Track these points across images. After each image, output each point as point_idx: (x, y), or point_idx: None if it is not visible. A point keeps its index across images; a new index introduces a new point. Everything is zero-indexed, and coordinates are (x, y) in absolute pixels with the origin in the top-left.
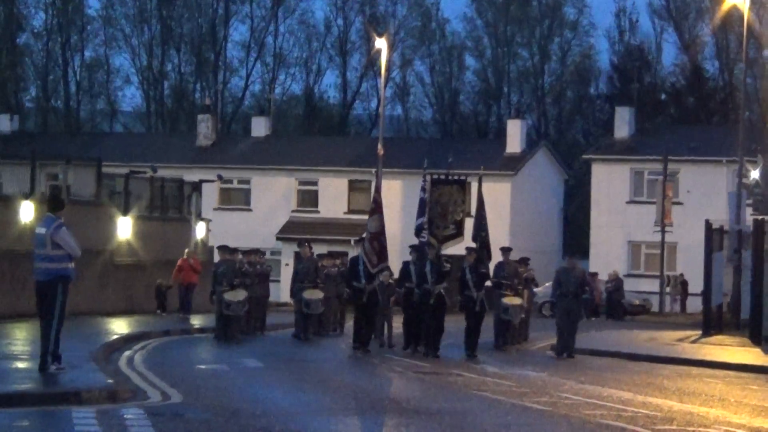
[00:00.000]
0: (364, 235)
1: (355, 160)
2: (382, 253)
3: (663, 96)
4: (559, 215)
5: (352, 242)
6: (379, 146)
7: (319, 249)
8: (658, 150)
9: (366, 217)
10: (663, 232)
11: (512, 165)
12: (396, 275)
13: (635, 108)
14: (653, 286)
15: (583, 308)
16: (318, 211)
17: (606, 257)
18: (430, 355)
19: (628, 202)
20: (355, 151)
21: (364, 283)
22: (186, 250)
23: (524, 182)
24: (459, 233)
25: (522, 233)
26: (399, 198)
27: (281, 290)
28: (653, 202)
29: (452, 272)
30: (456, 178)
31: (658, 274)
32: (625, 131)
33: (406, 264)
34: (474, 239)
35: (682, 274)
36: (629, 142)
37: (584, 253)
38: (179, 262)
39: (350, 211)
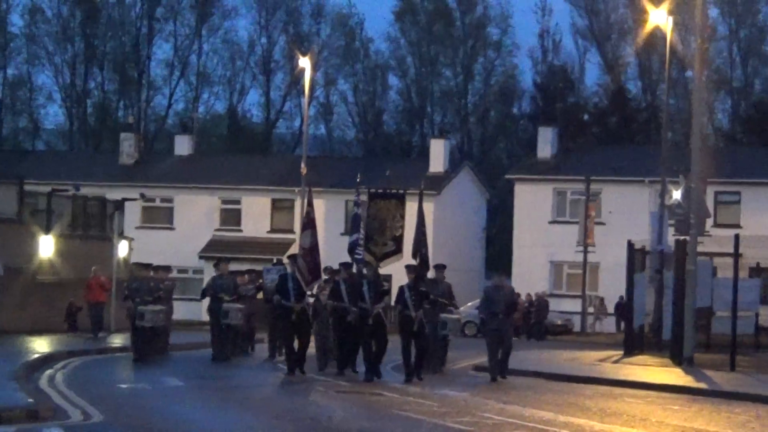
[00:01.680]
0: (298, 251)
1: (278, 179)
2: (315, 270)
3: (586, 116)
4: (481, 235)
5: (285, 259)
6: (303, 165)
7: (241, 268)
8: (581, 170)
9: (289, 235)
10: (585, 252)
11: (435, 184)
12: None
13: (558, 128)
14: (575, 306)
15: (512, 328)
16: (241, 230)
17: (528, 277)
18: (371, 378)
19: (550, 222)
20: (278, 169)
21: (293, 302)
22: (93, 268)
23: (447, 201)
24: (398, 250)
25: (444, 252)
26: (321, 217)
27: (203, 309)
28: (576, 222)
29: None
30: (394, 191)
31: (580, 293)
32: (548, 151)
33: (336, 282)
34: (414, 256)
35: (602, 298)
36: (552, 162)
37: (506, 273)
38: (88, 281)
39: (273, 230)
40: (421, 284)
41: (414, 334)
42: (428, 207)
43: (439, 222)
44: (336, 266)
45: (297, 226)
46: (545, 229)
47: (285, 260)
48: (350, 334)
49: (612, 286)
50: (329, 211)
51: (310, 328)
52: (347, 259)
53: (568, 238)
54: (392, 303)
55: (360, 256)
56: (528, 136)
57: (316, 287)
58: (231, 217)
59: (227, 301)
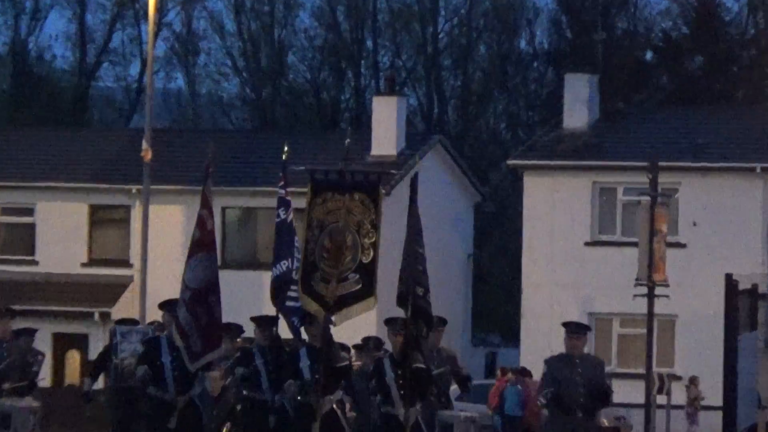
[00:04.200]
0: (181, 295)
1: (101, 171)
2: (212, 331)
3: (649, 55)
4: (464, 266)
5: (163, 316)
6: (145, 144)
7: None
8: (639, 150)
9: (122, 270)
10: (651, 296)
11: (381, 177)
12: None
13: (600, 76)
14: (635, 390)
15: None
16: (35, 261)
17: (547, 339)
18: None
19: (588, 244)
20: (101, 153)
21: (172, 392)
22: None
23: (401, 209)
24: (367, 288)
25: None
26: (179, 234)
27: None
28: (632, 244)
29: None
30: (362, 175)
31: (642, 371)
32: (582, 117)
33: (246, 355)
34: (402, 299)
35: (695, 378)
36: (589, 136)
37: (509, 332)
38: None
39: (93, 261)
40: (416, 356)
41: None
42: None
43: (390, 245)
44: (244, 323)
45: (135, 251)
46: (578, 256)
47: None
48: None
49: (699, 356)
50: (193, 222)
51: None
52: (264, 309)
53: (619, 272)
54: (357, 392)
55: (293, 304)
56: (546, 92)
57: (216, 369)
58: (17, 238)
59: (8, 392)
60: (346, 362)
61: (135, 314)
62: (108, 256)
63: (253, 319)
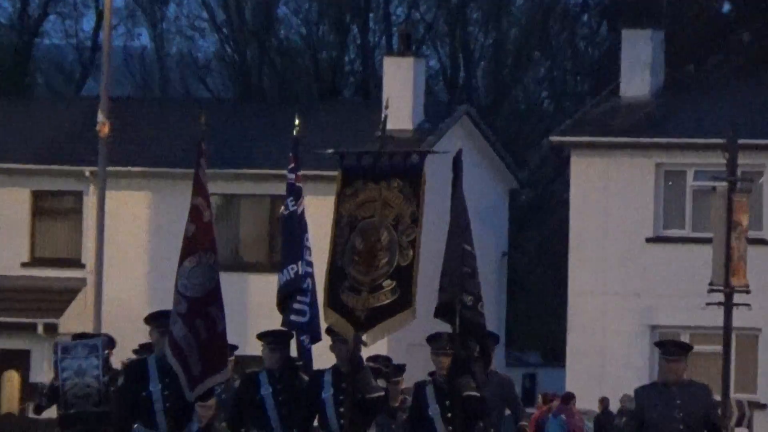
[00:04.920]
0: (175, 306)
1: (48, 150)
2: (215, 349)
3: (726, 7)
4: (497, 267)
5: (151, 333)
6: (101, 117)
7: None
8: (712, 125)
9: (74, 271)
10: (729, 305)
11: (424, 158)
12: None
13: (665, 33)
14: None
15: None
16: None
17: (598, 361)
18: None
19: (650, 240)
20: (46, 128)
21: (165, 430)
22: None
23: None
24: (405, 297)
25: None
26: (143, 228)
27: None
28: (705, 240)
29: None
30: (404, 156)
31: (717, 398)
32: (644, 83)
33: (249, 382)
34: (444, 308)
35: None
36: (652, 108)
37: (552, 350)
38: None
39: (36, 262)
40: (467, 382)
41: None
42: None
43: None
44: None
45: (89, 248)
46: (638, 256)
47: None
48: None
49: None
50: (173, 221)
51: None
52: (249, 321)
53: (688, 276)
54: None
55: (299, 319)
56: (599, 53)
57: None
58: None
59: None
60: (382, 392)
61: (88, 326)
62: (55, 254)
63: (260, 336)
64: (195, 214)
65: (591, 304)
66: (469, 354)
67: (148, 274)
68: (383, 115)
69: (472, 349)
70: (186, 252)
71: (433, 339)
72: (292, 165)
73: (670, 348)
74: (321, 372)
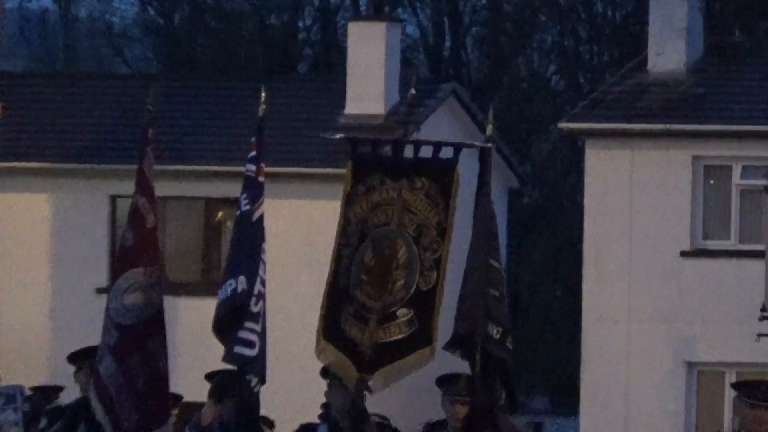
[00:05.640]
0: (104, 339)
1: None
2: (154, 394)
3: None
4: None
5: (76, 376)
6: None
7: None
8: (765, 108)
9: None
10: None
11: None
12: None
13: None
14: None
15: None
16: None
17: (620, 407)
18: None
19: (686, 253)
20: None
21: None
22: None
23: None
24: (424, 331)
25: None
26: (41, 237)
27: None
28: (756, 254)
29: None
30: (435, 148)
31: None
32: (678, 56)
33: None
34: (464, 342)
35: None
36: (689, 86)
37: (562, 392)
38: None
39: None
40: None
41: None
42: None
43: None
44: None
45: None
46: (672, 273)
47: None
48: None
49: None
50: (81, 231)
51: None
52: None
53: (734, 298)
54: None
55: (248, 352)
56: (621, 16)
57: None
58: None
59: None
60: None
61: None
62: None
63: (209, 376)
64: (136, 217)
65: (612, 333)
66: (493, 402)
67: (48, 298)
68: (409, 93)
69: (497, 396)
70: (122, 266)
71: (446, 381)
72: (254, 153)
73: (760, 391)
74: (312, 427)
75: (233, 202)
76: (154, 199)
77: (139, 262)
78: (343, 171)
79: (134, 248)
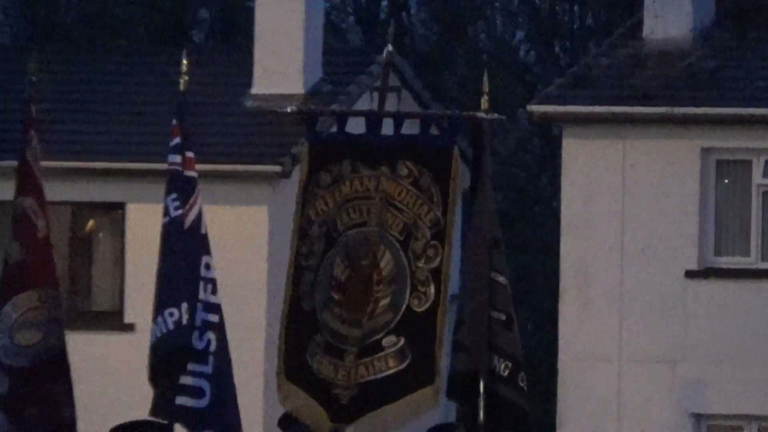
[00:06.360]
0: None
1: None
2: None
3: None
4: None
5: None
6: None
7: None
8: None
9: None
10: None
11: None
12: None
13: None
14: None
15: None
16: None
17: None
18: None
19: (692, 273)
20: None
21: None
22: None
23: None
24: (421, 366)
25: None
26: None
27: None
28: None
29: None
30: (426, 125)
31: None
32: (682, 20)
33: None
34: (464, 383)
35: None
36: (696, 59)
37: None
38: None
39: None
40: None
41: None
42: (258, 218)
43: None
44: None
45: None
46: (674, 298)
47: None
48: None
49: None
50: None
51: None
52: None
53: (754, 331)
54: None
55: (193, 403)
56: None
57: None
58: None
59: None
60: None
61: None
62: None
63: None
64: (22, 225)
65: (597, 376)
66: None
67: None
68: (385, 52)
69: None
70: (8, 290)
71: None
72: (177, 140)
73: None
74: None
75: (108, 208)
76: (43, 200)
77: (30, 284)
78: (262, 168)
79: (23, 265)
